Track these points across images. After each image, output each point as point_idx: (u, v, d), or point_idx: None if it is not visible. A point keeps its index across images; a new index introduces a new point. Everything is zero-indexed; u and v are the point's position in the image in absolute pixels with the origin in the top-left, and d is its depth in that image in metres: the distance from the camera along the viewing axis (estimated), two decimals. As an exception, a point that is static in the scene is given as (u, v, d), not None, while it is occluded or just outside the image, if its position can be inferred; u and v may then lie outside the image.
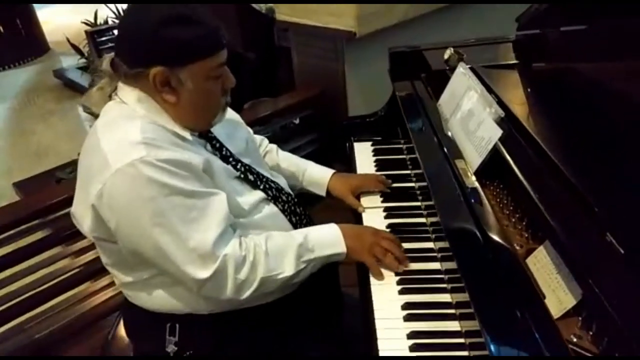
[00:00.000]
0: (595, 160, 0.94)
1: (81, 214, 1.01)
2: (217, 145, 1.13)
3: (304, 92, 2.63)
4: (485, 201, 0.98)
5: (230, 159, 1.14)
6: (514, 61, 1.49)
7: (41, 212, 1.76)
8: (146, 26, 0.94)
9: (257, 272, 1.01)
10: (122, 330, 1.25)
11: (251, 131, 1.36)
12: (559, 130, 1.07)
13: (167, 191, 0.93)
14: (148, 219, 0.93)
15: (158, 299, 1.08)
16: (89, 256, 1.89)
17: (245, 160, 1.17)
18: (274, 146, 1.44)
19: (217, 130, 1.14)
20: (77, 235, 1.85)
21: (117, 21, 3.85)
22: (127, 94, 1.01)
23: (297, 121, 2.65)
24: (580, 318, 0.77)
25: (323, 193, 1.38)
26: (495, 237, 0.88)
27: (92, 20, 3.99)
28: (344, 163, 1.48)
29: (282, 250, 1.05)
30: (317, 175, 1.39)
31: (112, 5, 4.02)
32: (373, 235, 1.13)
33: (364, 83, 2.45)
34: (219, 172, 1.07)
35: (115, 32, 3.42)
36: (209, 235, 0.96)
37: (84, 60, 4.01)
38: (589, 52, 1.38)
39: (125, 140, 0.94)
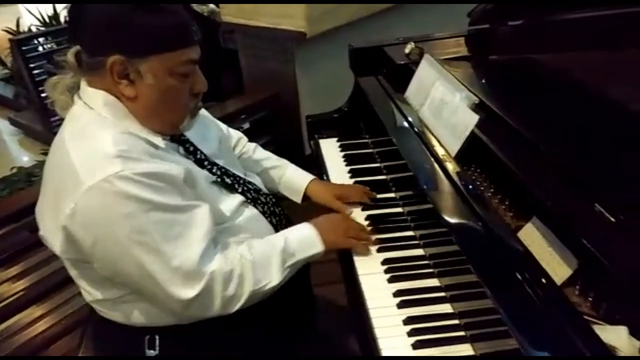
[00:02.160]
0: (570, 136, 1.00)
1: (51, 235, 0.92)
2: (191, 148, 1.07)
3: (253, 95, 2.59)
4: (473, 185, 1.00)
5: (206, 163, 1.08)
6: (469, 54, 1.55)
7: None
8: (109, 10, 0.87)
9: (245, 286, 0.97)
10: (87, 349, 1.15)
11: (224, 128, 1.30)
12: (527, 112, 1.12)
13: (146, 207, 0.86)
14: (127, 237, 0.86)
15: (137, 315, 1.00)
16: (30, 279, 1.73)
17: (219, 162, 1.12)
18: (251, 146, 1.38)
19: (189, 132, 1.08)
20: (16, 257, 1.69)
21: (42, 29, 3.59)
22: (93, 97, 0.93)
23: (247, 126, 2.60)
24: (577, 287, 0.79)
25: (299, 200, 1.33)
26: (490, 217, 0.90)
27: (15, 29, 3.70)
28: (300, 164, 1.40)
29: (267, 259, 1.01)
30: (294, 181, 1.33)
31: (35, 11, 3.75)
32: (344, 221, 1.17)
33: (316, 84, 2.45)
34: (199, 180, 1.01)
35: (41, 39, 3.24)
36: (193, 252, 0.90)
37: (7, 71, 3.71)
38: (538, 43, 1.47)
39: (98, 153, 0.87)
